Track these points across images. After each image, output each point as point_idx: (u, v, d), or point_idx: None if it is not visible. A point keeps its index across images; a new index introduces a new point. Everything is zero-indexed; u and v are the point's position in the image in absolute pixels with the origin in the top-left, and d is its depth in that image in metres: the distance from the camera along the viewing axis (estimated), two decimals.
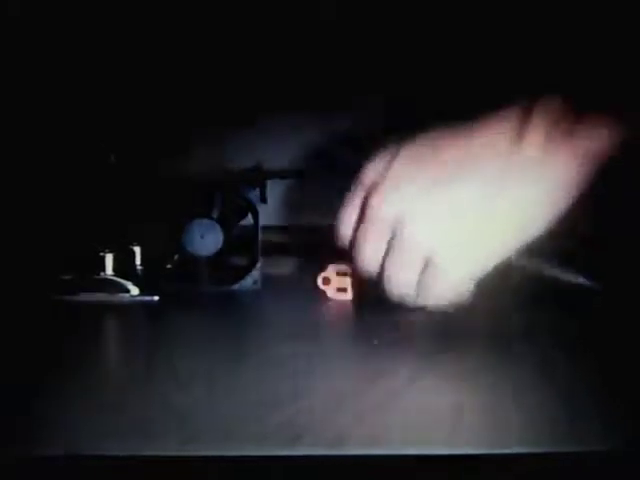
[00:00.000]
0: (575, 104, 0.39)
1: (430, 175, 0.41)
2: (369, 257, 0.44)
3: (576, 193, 0.40)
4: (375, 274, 0.45)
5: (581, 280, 0.45)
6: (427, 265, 0.42)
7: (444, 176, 0.40)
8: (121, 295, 0.57)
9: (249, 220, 0.64)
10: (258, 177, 0.66)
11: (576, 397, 0.34)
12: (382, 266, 0.44)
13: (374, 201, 0.42)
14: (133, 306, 0.57)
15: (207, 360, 0.41)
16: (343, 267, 0.56)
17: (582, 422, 0.31)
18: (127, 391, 0.36)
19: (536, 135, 0.39)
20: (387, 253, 0.43)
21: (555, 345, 0.43)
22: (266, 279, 0.64)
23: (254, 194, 0.64)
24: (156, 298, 0.58)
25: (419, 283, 0.43)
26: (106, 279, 0.58)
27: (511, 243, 0.41)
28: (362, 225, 0.44)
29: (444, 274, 0.42)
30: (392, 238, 0.42)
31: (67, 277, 0.60)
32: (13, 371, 0.33)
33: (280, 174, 0.77)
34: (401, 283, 0.44)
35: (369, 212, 0.43)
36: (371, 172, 0.44)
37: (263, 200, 0.64)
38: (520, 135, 0.39)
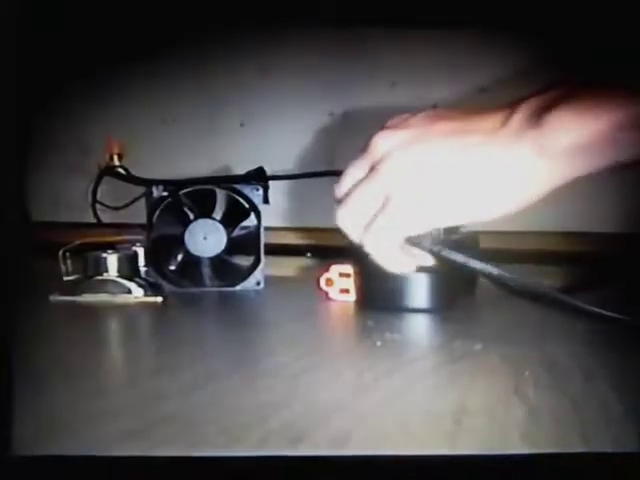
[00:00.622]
0: (556, 104, 0.41)
1: (425, 134, 0.46)
2: (345, 181, 0.49)
3: (545, 189, 0.43)
4: (341, 197, 0.49)
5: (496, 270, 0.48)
6: (384, 206, 0.46)
7: (434, 138, 0.45)
8: (125, 296, 0.57)
9: (252, 221, 0.64)
10: (261, 178, 0.66)
11: (584, 397, 0.34)
12: (349, 190, 0.48)
13: (373, 137, 0.47)
14: (136, 307, 0.57)
15: (210, 361, 0.42)
16: (346, 268, 0.56)
17: (591, 423, 0.31)
18: (129, 392, 0.36)
19: (510, 129, 0.43)
20: (360, 181, 0.48)
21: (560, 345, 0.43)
22: (269, 280, 0.64)
23: (257, 195, 0.64)
24: (159, 299, 0.58)
25: (371, 222, 0.47)
26: (110, 280, 0.58)
27: (461, 215, 0.46)
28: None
29: (395, 220, 0.46)
30: (370, 169, 0.47)
31: (71, 278, 0.60)
32: (14, 371, 0.33)
33: (283, 176, 0.76)
34: (356, 211, 0.47)
35: (367, 147, 0.48)
36: (388, 124, 0.49)
37: (266, 201, 0.64)
38: (501, 126, 0.43)
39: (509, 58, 0.79)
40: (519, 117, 0.43)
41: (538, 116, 0.42)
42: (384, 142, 0.46)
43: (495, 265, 0.48)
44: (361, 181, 0.48)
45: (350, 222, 0.48)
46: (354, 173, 0.49)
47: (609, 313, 0.45)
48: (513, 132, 0.43)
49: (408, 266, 0.49)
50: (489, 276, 0.49)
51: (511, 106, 0.44)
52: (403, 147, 0.46)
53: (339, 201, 0.49)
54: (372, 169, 0.47)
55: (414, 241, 0.48)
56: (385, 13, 0.83)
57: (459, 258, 0.48)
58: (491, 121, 0.44)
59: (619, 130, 0.40)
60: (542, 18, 0.76)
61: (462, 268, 0.49)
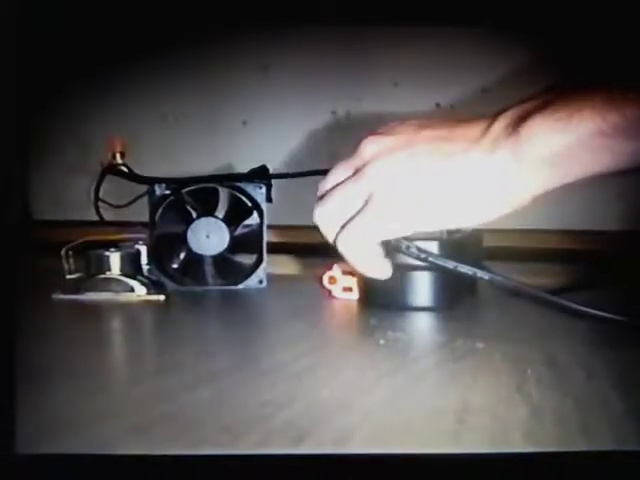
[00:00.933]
0: (533, 113, 0.42)
1: (411, 140, 0.46)
2: (329, 180, 0.50)
3: (526, 197, 0.43)
4: (322, 193, 0.49)
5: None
6: (363, 206, 0.46)
7: (419, 145, 0.46)
8: (127, 294, 0.57)
9: (255, 219, 0.64)
10: (264, 177, 0.66)
11: (586, 396, 0.34)
12: (331, 189, 0.49)
13: (361, 142, 0.48)
14: (139, 305, 0.57)
15: (212, 359, 0.42)
16: (349, 266, 0.56)
17: (593, 421, 0.31)
18: (132, 390, 0.36)
19: (489, 137, 0.44)
20: (343, 181, 0.48)
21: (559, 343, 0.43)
22: (272, 278, 0.64)
23: (260, 193, 0.64)
24: (162, 297, 0.58)
25: (348, 222, 0.47)
26: (112, 278, 0.58)
27: (440, 221, 0.46)
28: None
29: (373, 221, 0.46)
30: (355, 172, 0.48)
31: (74, 276, 0.60)
32: (17, 370, 0.33)
33: (285, 174, 0.76)
34: (335, 210, 0.48)
35: (355, 151, 0.49)
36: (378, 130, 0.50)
37: (269, 199, 0.64)
38: (481, 135, 0.44)
39: (511, 58, 0.79)
40: (498, 126, 0.44)
41: (516, 125, 0.42)
42: (371, 146, 0.47)
43: (488, 268, 0.49)
44: (344, 181, 0.48)
45: (327, 220, 0.48)
46: (339, 174, 0.49)
47: (607, 314, 0.46)
48: (492, 140, 0.43)
49: (382, 271, 0.49)
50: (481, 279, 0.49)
51: (493, 116, 0.45)
52: (389, 152, 0.46)
53: (320, 199, 0.50)
54: (357, 171, 0.48)
55: (401, 247, 0.49)
56: (388, 12, 0.83)
57: (448, 264, 0.48)
58: (473, 130, 0.45)
59: (598, 138, 0.40)
60: (544, 18, 0.76)
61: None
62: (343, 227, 0.47)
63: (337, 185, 0.49)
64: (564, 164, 0.42)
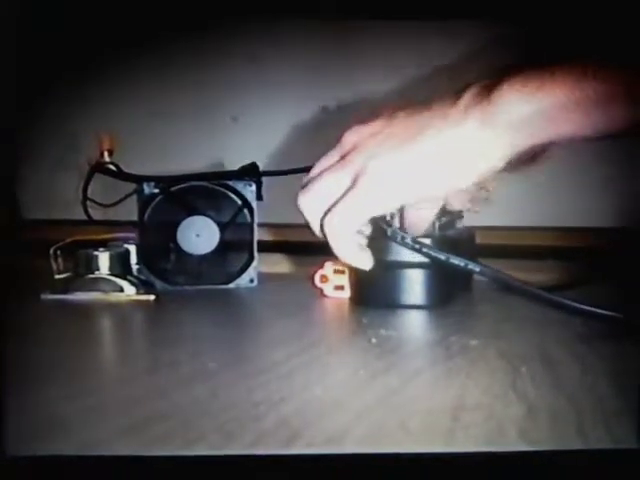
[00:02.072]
0: (502, 82, 0.44)
1: (389, 122, 0.48)
2: (314, 171, 0.50)
3: (494, 162, 0.45)
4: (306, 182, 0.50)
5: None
6: (346, 191, 0.47)
7: (397, 123, 0.48)
8: (117, 294, 0.57)
9: (245, 218, 0.63)
10: (254, 174, 0.65)
11: (581, 393, 0.34)
12: (318, 173, 0.50)
13: (343, 133, 0.50)
14: (129, 305, 0.56)
15: (203, 359, 0.41)
16: (340, 265, 0.56)
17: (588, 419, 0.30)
18: (122, 391, 0.35)
19: (460, 106, 0.45)
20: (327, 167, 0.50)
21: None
22: (263, 277, 0.64)
23: (250, 191, 0.63)
24: (152, 297, 0.57)
25: (334, 205, 0.47)
26: (102, 278, 0.57)
27: (419, 192, 0.47)
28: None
29: (355, 203, 0.47)
30: (341, 157, 0.49)
31: (63, 276, 0.60)
32: (6, 370, 0.33)
33: (276, 171, 0.76)
34: (319, 196, 0.48)
35: (339, 141, 0.50)
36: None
37: (259, 197, 0.64)
38: (452, 105, 0.46)
39: (499, 51, 0.79)
40: (468, 95, 0.45)
41: (484, 93, 0.44)
42: (352, 136, 0.49)
43: (479, 262, 0.49)
44: (329, 168, 0.49)
45: (313, 205, 0.49)
46: (324, 164, 0.50)
47: (599, 310, 0.45)
48: (462, 109, 0.45)
49: (364, 260, 0.50)
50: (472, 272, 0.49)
51: (465, 86, 0.46)
52: (370, 137, 0.48)
53: (303, 187, 0.50)
54: (341, 159, 0.49)
55: (396, 238, 0.48)
56: (380, 6, 0.83)
57: (440, 255, 0.48)
58: (446, 102, 0.46)
59: (570, 106, 0.41)
60: (533, 15, 0.76)
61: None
62: (328, 211, 0.48)
63: (322, 172, 0.49)
64: (528, 130, 0.43)
